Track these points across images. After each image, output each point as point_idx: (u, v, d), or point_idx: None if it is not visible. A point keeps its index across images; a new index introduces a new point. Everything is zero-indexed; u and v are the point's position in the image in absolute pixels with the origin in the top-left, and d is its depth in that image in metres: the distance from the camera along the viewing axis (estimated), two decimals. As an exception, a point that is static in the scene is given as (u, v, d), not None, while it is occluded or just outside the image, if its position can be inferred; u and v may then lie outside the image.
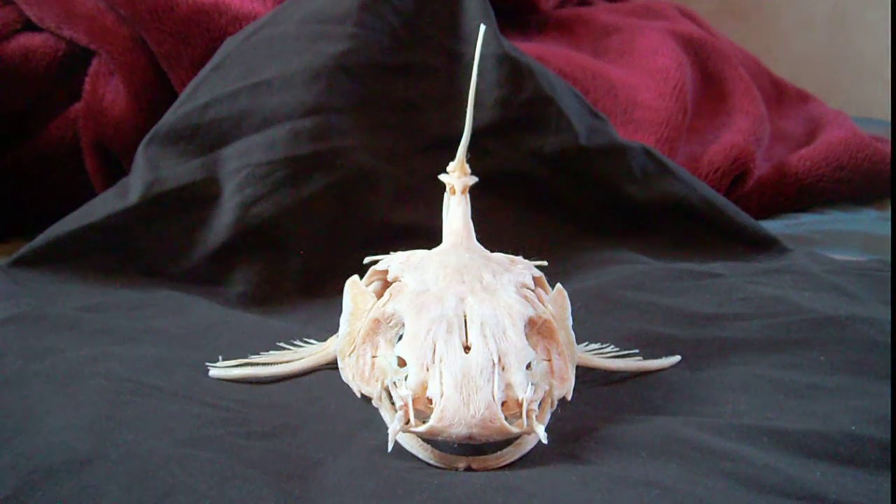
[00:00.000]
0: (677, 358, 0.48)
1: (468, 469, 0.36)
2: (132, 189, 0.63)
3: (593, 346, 0.49)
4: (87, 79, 0.78)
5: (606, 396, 0.44)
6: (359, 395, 0.41)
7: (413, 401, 0.36)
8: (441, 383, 0.36)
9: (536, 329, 0.40)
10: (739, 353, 0.49)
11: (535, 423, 0.36)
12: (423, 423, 0.35)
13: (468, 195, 0.48)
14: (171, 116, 0.66)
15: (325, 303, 0.59)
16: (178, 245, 0.62)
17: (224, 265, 0.61)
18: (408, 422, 0.35)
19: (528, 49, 0.82)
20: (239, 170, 0.63)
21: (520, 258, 0.45)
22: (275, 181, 0.62)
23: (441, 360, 0.36)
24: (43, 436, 0.37)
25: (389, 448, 0.36)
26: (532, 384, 0.37)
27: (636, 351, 0.49)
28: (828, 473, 0.36)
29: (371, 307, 0.41)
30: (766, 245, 0.70)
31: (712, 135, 0.92)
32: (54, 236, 0.61)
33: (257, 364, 0.47)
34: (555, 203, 0.70)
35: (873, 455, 0.37)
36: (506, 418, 0.35)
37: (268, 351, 0.49)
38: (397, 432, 0.35)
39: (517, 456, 0.37)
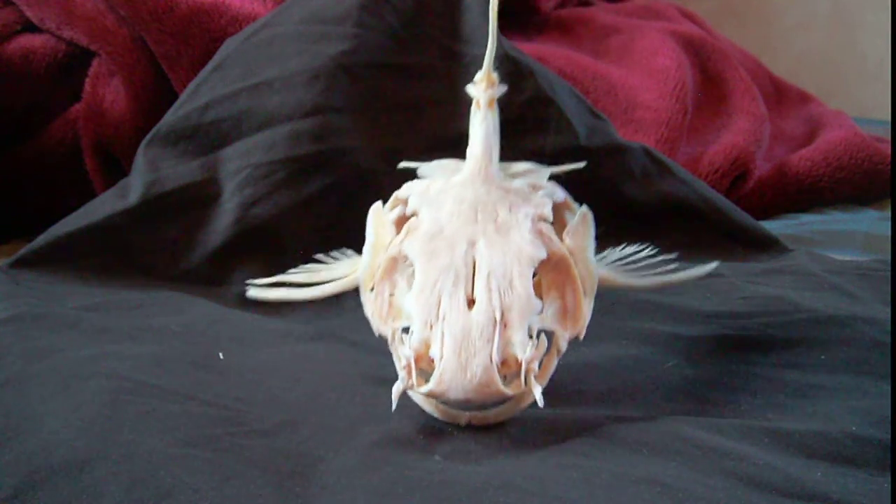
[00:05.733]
0: (713, 265, 0.47)
1: (469, 424, 0.37)
2: (132, 190, 0.63)
3: (629, 249, 0.47)
4: (88, 79, 0.78)
5: (607, 395, 0.44)
6: (377, 335, 0.41)
7: (416, 359, 0.36)
8: (442, 345, 0.36)
9: (552, 266, 0.39)
10: (740, 352, 0.49)
11: (533, 383, 0.36)
12: (426, 381, 0.36)
13: (496, 110, 0.46)
14: (171, 117, 0.66)
15: (326, 303, 0.59)
16: (178, 245, 0.62)
17: (224, 265, 0.61)
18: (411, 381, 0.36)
19: (528, 49, 0.82)
20: (239, 170, 0.63)
21: (546, 180, 0.44)
22: (275, 181, 0.62)
23: (444, 319, 0.36)
24: (43, 436, 0.37)
25: (393, 407, 0.36)
26: (534, 341, 0.37)
27: (673, 255, 0.47)
28: (828, 473, 0.36)
29: (389, 243, 0.41)
30: (767, 245, 0.70)
31: (712, 135, 0.92)
32: (54, 237, 0.61)
33: (292, 285, 0.47)
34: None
35: (874, 455, 0.37)
36: (506, 378, 0.36)
37: (271, 349, 0.49)
38: (399, 393, 0.36)
39: (516, 411, 0.37)
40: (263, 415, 0.41)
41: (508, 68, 0.69)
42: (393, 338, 0.39)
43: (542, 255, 0.39)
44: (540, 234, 0.40)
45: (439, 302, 0.37)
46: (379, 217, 0.44)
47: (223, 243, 0.61)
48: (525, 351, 0.36)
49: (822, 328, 0.50)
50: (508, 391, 0.36)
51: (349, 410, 0.42)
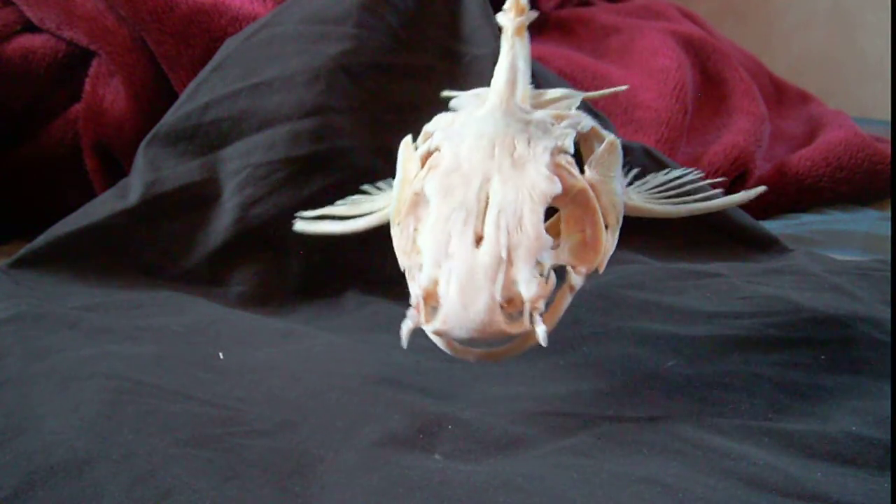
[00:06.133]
0: (759, 189, 0.46)
1: (478, 360, 0.37)
2: (132, 189, 0.63)
3: (672, 174, 0.47)
4: (88, 79, 0.78)
5: (607, 395, 0.44)
6: (402, 270, 0.41)
7: (425, 297, 0.36)
8: (448, 283, 0.36)
9: (570, 199, 0.39)
10: (740, 352, 0.49)
11: (536, 323, 0.35)
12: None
13: (525, 38, 0.45)
14: (171, 117, 0.66)
15: (326, 303, 0.59)
16: (178, 245, 0.62)
17: (224, 265, 0.61)
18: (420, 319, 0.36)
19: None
20: (239, 170, 0.63)
21: (574, 109, 0.44)
22: (275, 181, 0.62)
23: (452, 257, 0.36)
24: (43, 436, 0.37)
25: (403, 344, 0.36)
26: (540, 279, 0.36)
27: (720, 179, 0.47)
28: (828, 473, 0.36)
29: (414, 177, 0.41)
30: (767, 245, 0.70)
31: (712, 135, 0.92)
32: (54, 237, 0.61)
33: (337, 217, 0.47)
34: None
35: (874, 455, 0.37)
36: (510, 317, 0.35)
37: (270, 349, 0.49)
38: (410, 331, 0.36)
39: (525, 348, 0.37)
40: (263, 415, 0.41)
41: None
42: (411, 274, 0.39)
43: (557, 189, 0.38)
44: (557, 167, 0.39)
45: (449, 240, 0.37)
46: (408, 151, 0.43)
47: (223, 243, 0.61)
48: (529, 289, 0.35)
49: (822, 328, 0.50)
50: (512, 330, 0.35)
51: (349, 410, 0.42)
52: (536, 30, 1.04)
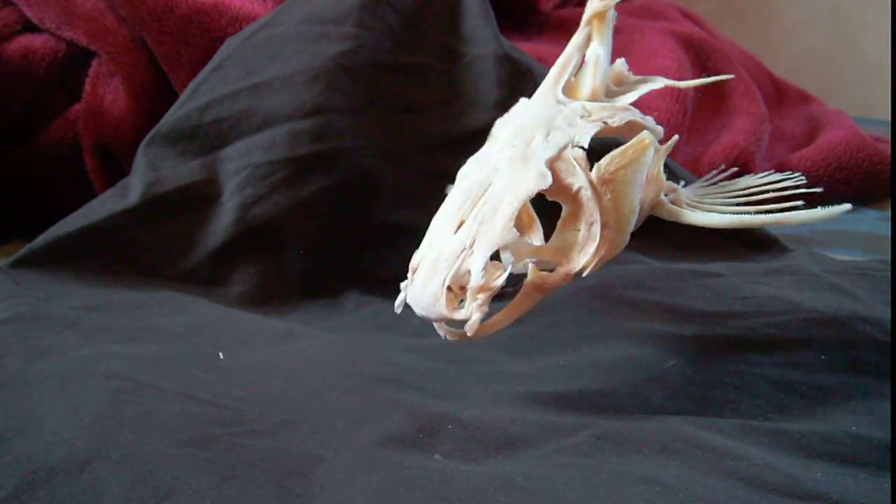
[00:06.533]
0: (844, 207, 0.42)
1: (450, 338, 0.39)
2: (132, 190, 0.63)
3: (774, 177, 0.44)
4: (88, 79, 0.78)
5: (607, 394, 0.44)
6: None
7: (412, 272, 0.39)
8: (421, 263, 0.39)
9: (570, 196, 0.39)
10: (740, 352, 0.49)
11: (473, 310, 0.37)
12: None
13: (603, 26, 0.44)
14: (171, 117, 0.66)
15: (325, 303, 0.59)
16: (178, 245, 0.62)
17: (224, 265, 0.61)
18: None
19: (528, 49, 0.82)
20: (239, 170, 0.63)
21: (626, 102, 0.43)
22: (275, 181, 0.62)
23: (434, 240, 0.39)
24: (43, 436, 0.37)
25: (396, 310, 0.40)
26: (489, 272, 0.37)
27: (800, 189, 0.42)
28: (828, 473, 0.36)
29: None
30: (767, 245, 0.70)
31: (712, 135, 0.92)
32: (54, 237, 0.61)
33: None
34: (555, 203, 0.70)
35: (874, 455, 0.37)
36: (461, 303, 0.37)
37: (270, 349, 0.49)
38: (402, 301, 0.39)
39: (480, 336, 0.38)
40: (263, 415, 0.41)
41: (508, 68, 0.68)
42: None
43: (543, 185, 0.39)
44: (561, 162, 0.39)
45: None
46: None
47: (223, 243, 0.61)
48: (477, 278, 0.37)
49: (822, 328, 0.50)
50: (453, 315, 0.37)
51: (349, 410, 0.42)
52: (536, 30, 1.05)
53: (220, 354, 0.47)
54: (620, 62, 0.47)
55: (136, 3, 0.76)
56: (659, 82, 0.46)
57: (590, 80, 0.45)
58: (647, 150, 0.40)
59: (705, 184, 0.49)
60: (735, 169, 0.47)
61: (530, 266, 0.38)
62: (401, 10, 0.69)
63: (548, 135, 0.40)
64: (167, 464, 0.35)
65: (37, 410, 0.39)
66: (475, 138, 0.48)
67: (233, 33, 0.74)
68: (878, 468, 0.37)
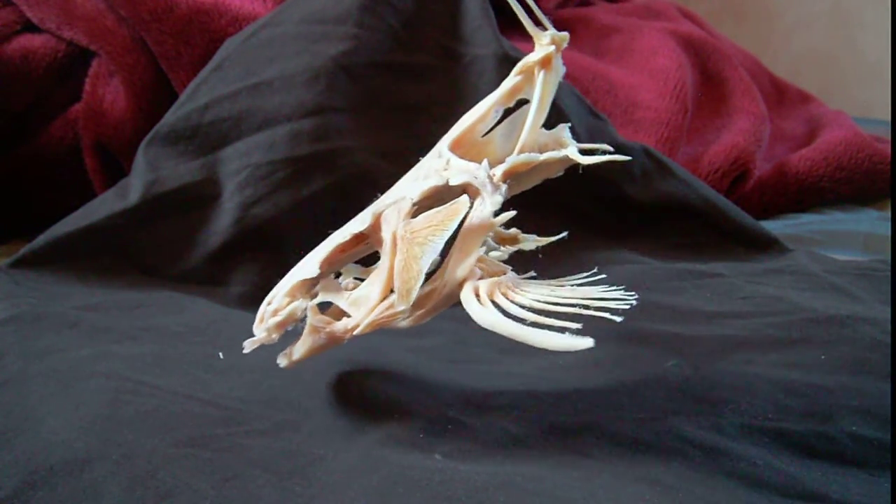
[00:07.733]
0: (588, 342, 0.32)
1: None
2: (132, 190, 0.63)
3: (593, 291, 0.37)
4: (88, 79, 0.78)
5: (607, 395, 0.44)
6: None
7: None
8: None
9: (384, 249, 0.38)
10: (740, 352, 0.49)
11: (261, 330, 0.40)
12: None
13: (551, 75, 0.41)
14: (171, 117, 0.66)
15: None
16: (178, 245, 0.62)
17: (224, 265, 0.61)
18: None
19: (529, 49, 0.82)
20: (239, 170, 0.63)
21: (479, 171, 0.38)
22: (275, 181, 0.62)
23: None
24: (43, 436, 0.37)
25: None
26: (282, 301, 0.40)
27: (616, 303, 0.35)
28: (828, 473, 0.36)
29: None
30: (766, 245, 0.70)
31: (712, 135, 0.92)
32: (54, 237, 0.61)
33: None
34: (555, 203, 0.70)
35: (874, 455, 0.37)
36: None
37: (270, 349, 0.49)
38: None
39: (287, 365, 0.41)
40: (264, 414, 0.41)
41: (508, 68, 0.68)
42: None
43: (360, 228, 0.40)
44: (383, 213, 0.39)
45: None
46: None
47: (223, 243, 0.61)
48: (270, 302, 0.40)
49: (822, 328, 0.50)
50: (256, 331, 0.40)
51: (349, 410, 0.42)
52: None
53: (220, 354, 0.47)
54: (561, 127, 0.43)
55: (136, 3, 0.76)
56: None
57: (502, 144, 0.41)
58: (457, 216, 0.36)
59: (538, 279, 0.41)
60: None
61: (309, 307, 0.40)
62: (401, 10, 0.69)
63: (405, 178, 0.42)
64: (167, 464, 0.35)
65: (37, 410, 0.40)
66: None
67: (233, 33, 0.74)
68: (878, 468, 0.37)
